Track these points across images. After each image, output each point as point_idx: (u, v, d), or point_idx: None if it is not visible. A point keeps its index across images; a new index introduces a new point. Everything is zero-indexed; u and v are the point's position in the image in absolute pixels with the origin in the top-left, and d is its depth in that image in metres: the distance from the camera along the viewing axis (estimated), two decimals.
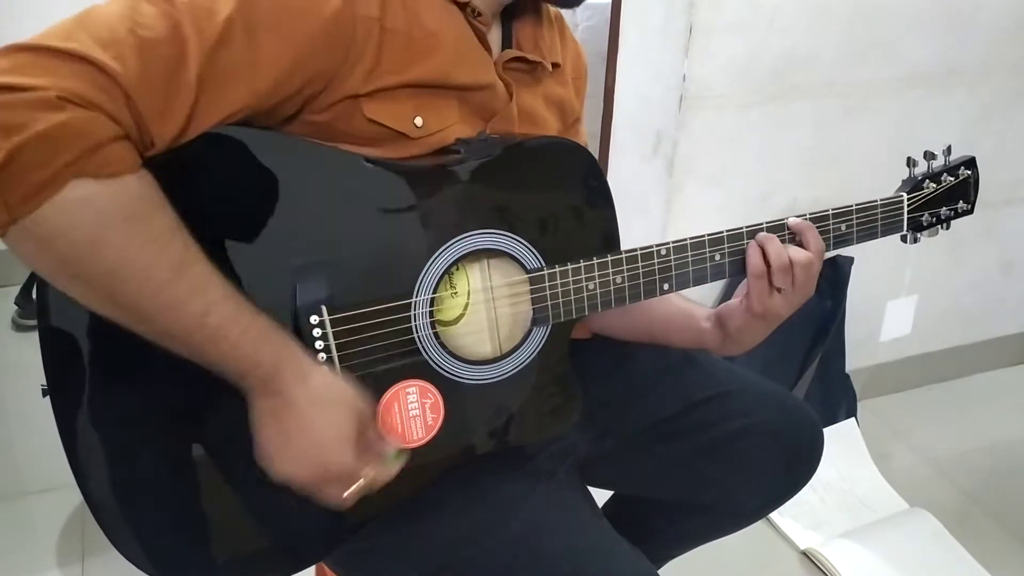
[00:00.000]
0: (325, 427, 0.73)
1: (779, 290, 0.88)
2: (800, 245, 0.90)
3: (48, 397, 0.73)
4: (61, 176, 0.59)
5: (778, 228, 0.91)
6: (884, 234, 0.97)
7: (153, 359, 0.74)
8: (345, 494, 0.74)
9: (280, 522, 0.81)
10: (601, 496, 1.12)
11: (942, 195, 0.99)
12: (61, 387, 0.74)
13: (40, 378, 0.74)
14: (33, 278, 0.73)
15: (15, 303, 2.25)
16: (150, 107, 0.64)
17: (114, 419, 0.75)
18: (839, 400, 1.97)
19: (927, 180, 0.98)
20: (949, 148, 0.99)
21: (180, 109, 0.66)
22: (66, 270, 0.64)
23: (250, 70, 0.69)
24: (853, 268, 1.86)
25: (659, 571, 1.00)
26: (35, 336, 0.72)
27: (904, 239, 1.00)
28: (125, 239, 0.63)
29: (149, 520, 0.77)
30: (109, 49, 0.62)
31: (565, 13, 0.99)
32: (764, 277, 0.88)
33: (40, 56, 0.61)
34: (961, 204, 1.01)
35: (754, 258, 0.88)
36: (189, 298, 0.66)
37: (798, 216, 0.92)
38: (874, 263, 1.88)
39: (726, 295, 1.71)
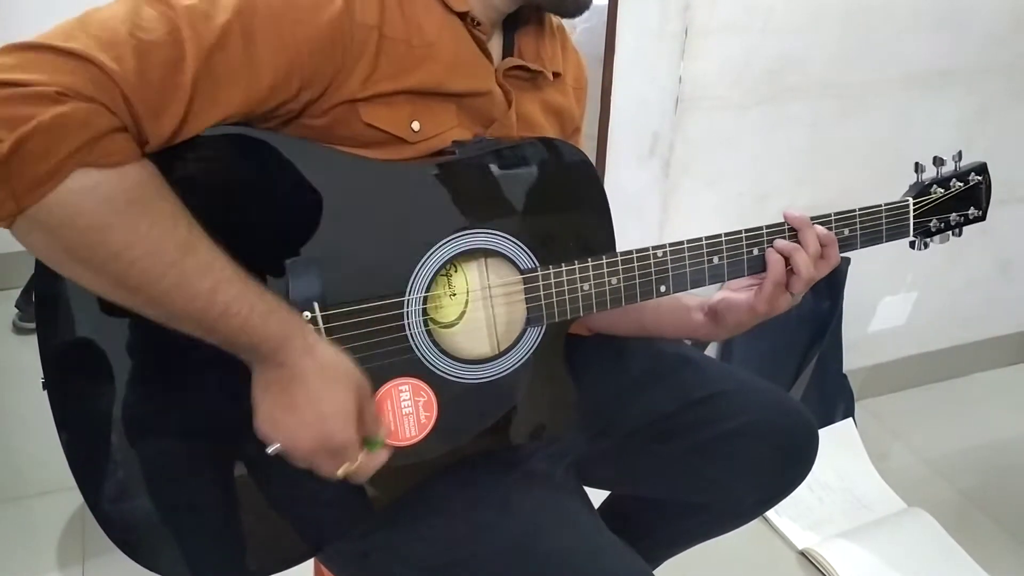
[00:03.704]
0: (331, 399, 0.74)
1: (792, 294, 0.90)
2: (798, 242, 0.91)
3: (47, 393, 0.74)
4: (65, 166, 0.61)
5: (778, 231, 0.91)
6: (890, 239, 0.96)
7: (154, 361, 0.75)
8: (339, 471, 0.75)
9: (283, 514, 0.82)
10: (597, 496, 1.13)
11: (951, 200, 0.98)
12: (59, 386, 0.74)
13: (39, 380, 0.74)
14: (34, 281, 0.74)
15: (15, 306, 2.26)
16: (146, 107, 0.65)
17: (114, 418, 0.75)
18: (836, 400, 1.98)
19: (935, 185, 0.97)
20: (960, 154, 0.98)
21: (175, 110, 0.67)
22: (75, 257, 0.64)
23: (247, 74, 0.70)
24: (851, 268, 1.87)
25: (655, 571, 1.00)
26: (35, 339, 0.73)
27: (913, 245, 0.99)
28: (131, 223, 0.64)
29: (152, 516, 0.78)
30: (109, 50, 0.63)
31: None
32: (783, 284, 0.90)
33: (41, 54, 0.62)
34: (972, 210, 0.99)
35: (778, 266, 0.89)
36: (197, 277, 0.67)
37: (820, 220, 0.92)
38: (873, 264, 1.89)
39: None
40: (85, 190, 0.62)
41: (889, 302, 2.03)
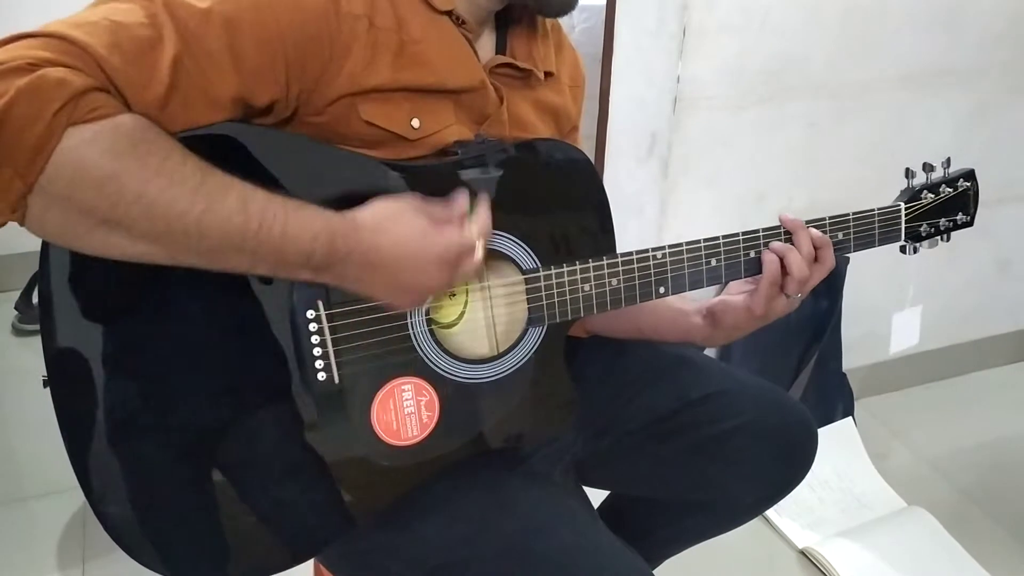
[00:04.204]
0: (410, 235, 0.73)
1: (787, 296, 0.91)
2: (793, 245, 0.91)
3: (49, 390, 0.74)
4: (55, 126, 0.60)
5: (774, 234, 0.92)
6: (882, 243, 0.98)
7: (156, 361, 0.75)
8: (477, 256, 0.77)
9: (283, 515, 0.82)
10: (597, 496, 1.13)
11: (940, 206, 0.99)
12: (61, 385, 0.74)
13: (39, 382, 0.75)
14: (33, 282, 0.74)
15: (15, 308, 2.26)
16: (123, 77, 0.65)
17: (115, 418, 0.75)
18: (836, 399, 1.98)
19: (925, 191, 0.99)
20: (948, 160, 1.00)
21: (156, 86, 0.66)
22: (99, 218, 0.63)
23: (231, 62, 0.70)
24: (849, 268, 1.87)
25: (655, 570, 1.00)
26: (35, 341, 0.73)
27: (903, 249, 1.01)
28: (141, 162, 0.63)
29: (156, 519, 0.78)
30: (81, 28, 0.64)
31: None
32: (778, 284, 0.90)
33: (15, 40, 0.62)
34: (960, 216, 1.01)
35: (772, 266, 0.90)
36: (223, 194, 0.66)
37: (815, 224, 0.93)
38: (872, 263, 1.89)
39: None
40: (84, 144, 0.61)
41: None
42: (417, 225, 0.74)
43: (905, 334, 2.01)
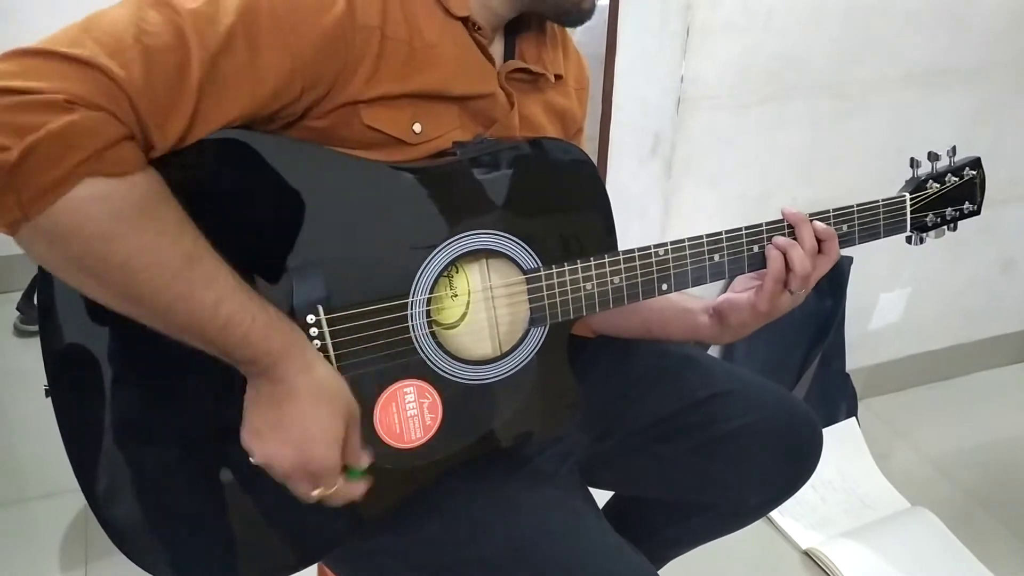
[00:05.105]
0: (320, 420, 0.74)
1: (791, 292, 0.90)
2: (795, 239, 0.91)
3: (50, 398, 0.74)
4: (74, 175, 0.60)
5: (778, 228, 0.91)
6: (887, 234, 0.97)
7: (157, 366, 0.75)
8: (313, 492, 0.76)
9: (287, 519, 0.82)
10: (602, 497, 1.13)
11: (946, 195, 0.98)
12: (63, 392, 0.74)
13: (41, 382, 0.74)
14: (35, 284, 0.73)
15: (17, 309, 2.26)
16: (152, 114, 0.65)
17: (117, 424, 0.75)
18: (839, 400, 1.98)
19: (931, 180, 0.98)
20: (954, 149, 0.99)
21: (181, 116, 0.67)
22: (80, 267, 0.64)
23: (251, 77, 0.70)
24: (852, 268, 1.87)
25: (660, 571, 1.00)
26: (37, 342, 0.73)
27: (909, 240, 0.99)
28: (137, 232, 0.64)
29: (156, 522, 0.78)
30: (115, 57, 0.63)
31: None
32: (782, 281, 0.90)
33: (48, 61, 0.62)
34: (967, 205, 1.00)
35: (776, 263, 0.89)
36: (201, 288, 0.67)
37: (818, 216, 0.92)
38: (874, 262, 1.89)
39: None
40: (93, 199, 0.62)
41: (886, 299, 2.04)
42: (330, 424, 0.74)
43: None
